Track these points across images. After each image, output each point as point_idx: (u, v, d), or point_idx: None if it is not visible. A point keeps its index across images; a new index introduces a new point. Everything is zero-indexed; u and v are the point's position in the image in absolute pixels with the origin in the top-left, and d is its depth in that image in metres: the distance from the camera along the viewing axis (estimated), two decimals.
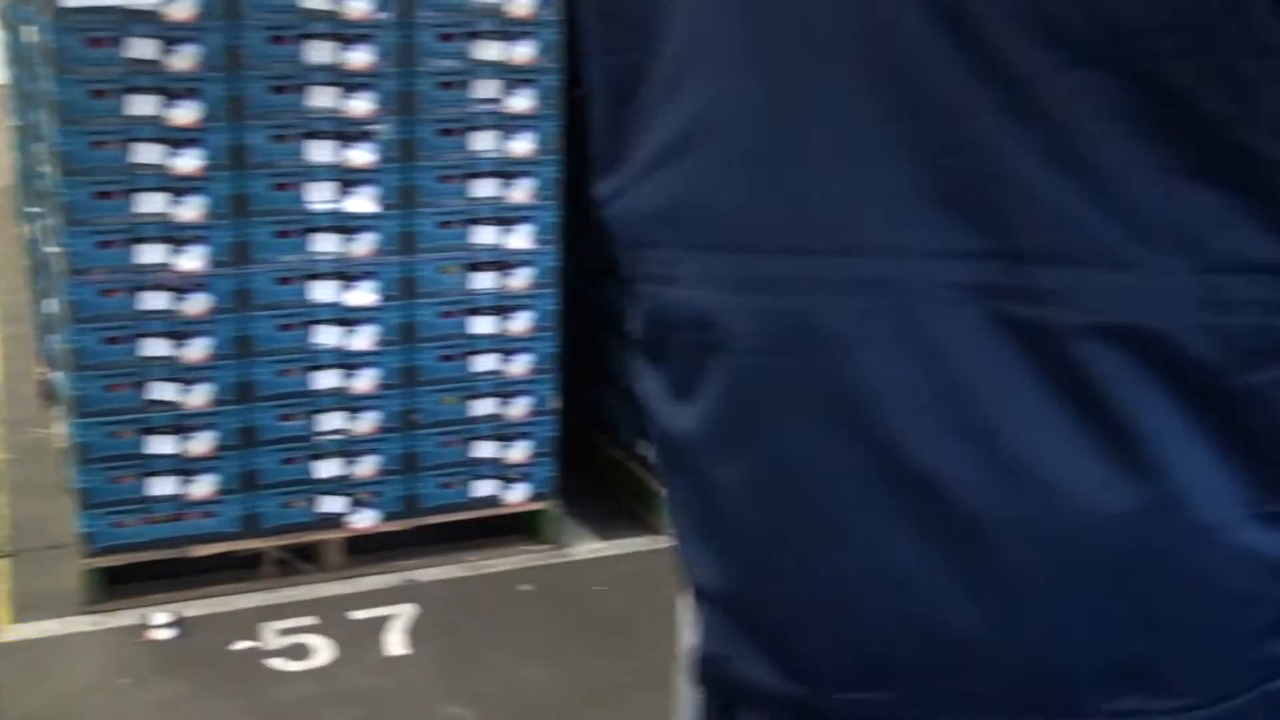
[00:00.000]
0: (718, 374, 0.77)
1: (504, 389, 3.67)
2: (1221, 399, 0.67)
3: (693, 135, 0.76)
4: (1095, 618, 0.71)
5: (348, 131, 3.37)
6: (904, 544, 0.72)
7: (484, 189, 3.52)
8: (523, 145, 3.53)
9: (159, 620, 3.34)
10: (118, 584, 3.43)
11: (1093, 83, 0.64)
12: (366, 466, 3.58)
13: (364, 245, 3.44)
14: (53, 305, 3.75)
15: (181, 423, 3.36)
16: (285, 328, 3.41)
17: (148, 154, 3.17)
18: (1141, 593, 0.70)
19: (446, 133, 3.46)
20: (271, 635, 3.31)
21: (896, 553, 0.72)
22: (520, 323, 3.65)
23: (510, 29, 3.46)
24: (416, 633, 3.34)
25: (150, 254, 3.23)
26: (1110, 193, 0.65)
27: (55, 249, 3.38)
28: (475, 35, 3.43)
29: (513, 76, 3.49)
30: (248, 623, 3.36)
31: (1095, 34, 0.63)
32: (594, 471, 4.32)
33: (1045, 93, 0.65)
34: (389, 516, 3.64)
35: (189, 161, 3.21)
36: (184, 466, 3.39)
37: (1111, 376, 0.67)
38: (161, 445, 3.36)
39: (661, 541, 3.86)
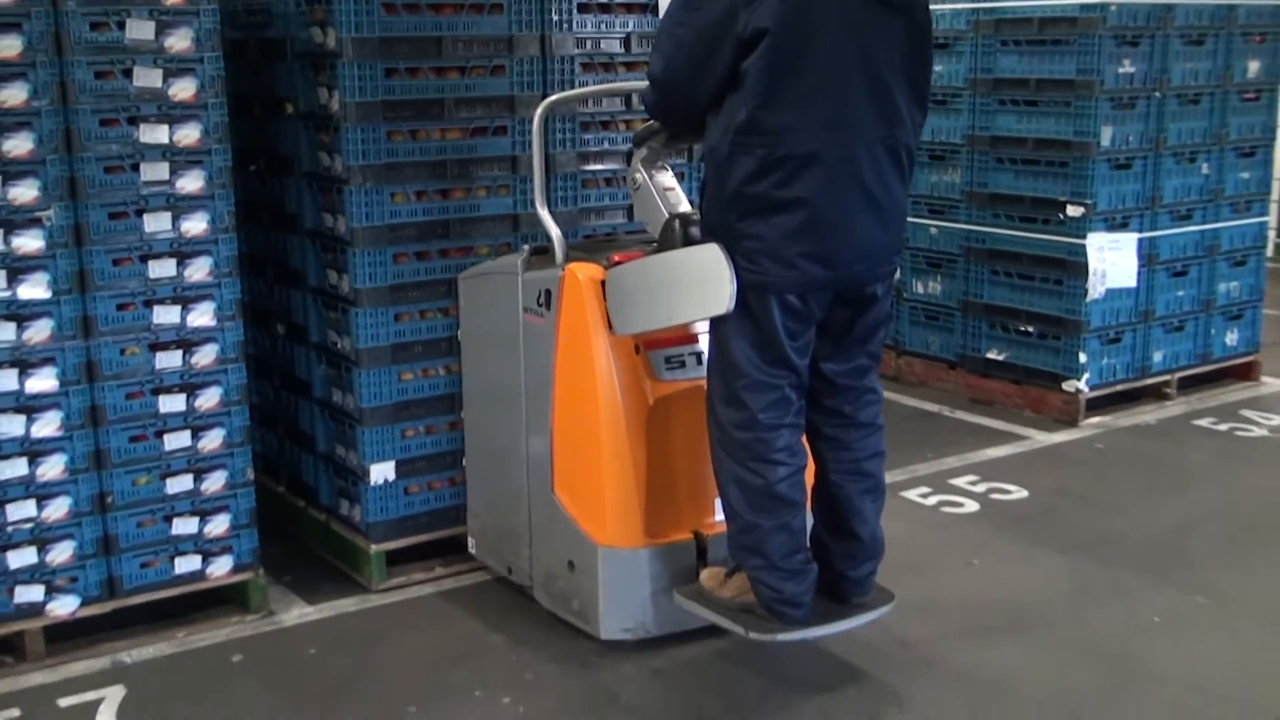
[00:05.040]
0: (814, 173, 3.11)
1: (198, 465, 3.70)
2: (910, 165, 3.32)
3: (814, 88, 3.10)
4: (900, 232, 3.40)
5: (14, 220, 3.36)
6: (867, 218, 3.21)
7: (161, 269, 3.56)
8: (196, 225, 3.58)
9: None
10: None
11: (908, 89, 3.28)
12: (62, 552, 3.55)
13: (41, 332, 3.43)
14: None
15: None
16: None
17: None
18: (899, 224, 3.37)
19: (116, 215, 3.49)
20: None
21: (865, 221, 3.21)
22: (209, 399, 3.69)
23: (174, 112, 3.52)
24: (127, 715, 3.34)
25: None
26: (911, 112, 3.27)
27: None
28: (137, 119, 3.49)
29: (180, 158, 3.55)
30: None
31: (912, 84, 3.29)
32: (296, 536, 4.37)
33: (896, 92, 3.24)
34: (88, 600, 3.61)
35: None
36: None
37: (906, 161, 3.28)
38: None
39: (370, 600, 3.96)
